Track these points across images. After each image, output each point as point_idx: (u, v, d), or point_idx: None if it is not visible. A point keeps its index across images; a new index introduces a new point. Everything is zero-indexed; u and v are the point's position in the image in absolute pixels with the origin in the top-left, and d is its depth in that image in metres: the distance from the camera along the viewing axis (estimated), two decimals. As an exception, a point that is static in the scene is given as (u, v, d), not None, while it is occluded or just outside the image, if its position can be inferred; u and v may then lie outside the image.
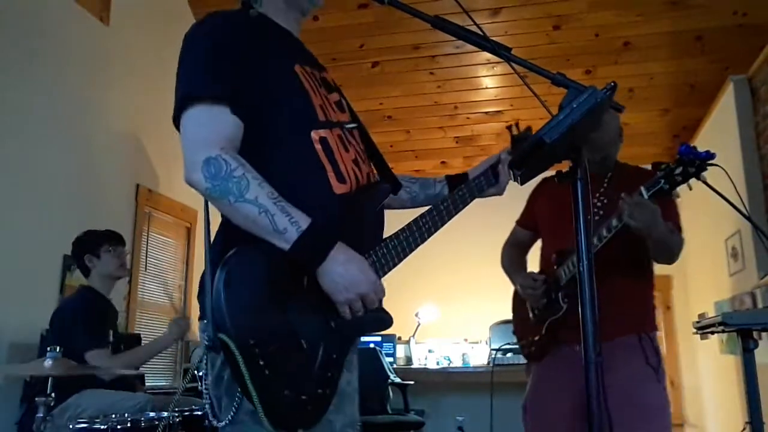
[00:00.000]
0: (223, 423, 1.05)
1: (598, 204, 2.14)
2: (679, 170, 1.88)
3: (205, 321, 1.08)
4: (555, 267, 2.09)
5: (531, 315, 2.18)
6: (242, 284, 0.99)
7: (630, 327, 2.03)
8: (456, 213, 1.42)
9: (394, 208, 1.48)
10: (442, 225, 1.37)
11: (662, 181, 1.88)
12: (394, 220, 1.35)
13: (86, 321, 2.57)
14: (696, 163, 1.87)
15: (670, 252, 2.06)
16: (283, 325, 1.03)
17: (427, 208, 1.37)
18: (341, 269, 1.06)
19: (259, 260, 1.04)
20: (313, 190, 1.14)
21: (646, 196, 1.89)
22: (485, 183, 1.53)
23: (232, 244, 1.05)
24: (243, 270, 1.00)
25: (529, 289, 2.11)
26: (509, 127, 1.64)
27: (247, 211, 1.03)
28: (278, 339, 1.01)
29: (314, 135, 1.19)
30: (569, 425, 1.99)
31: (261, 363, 0.97)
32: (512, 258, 2.39)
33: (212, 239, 1.14)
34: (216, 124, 1.09)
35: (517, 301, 2.31)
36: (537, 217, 2.34)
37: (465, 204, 1.45)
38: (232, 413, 1.04)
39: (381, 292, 1.12)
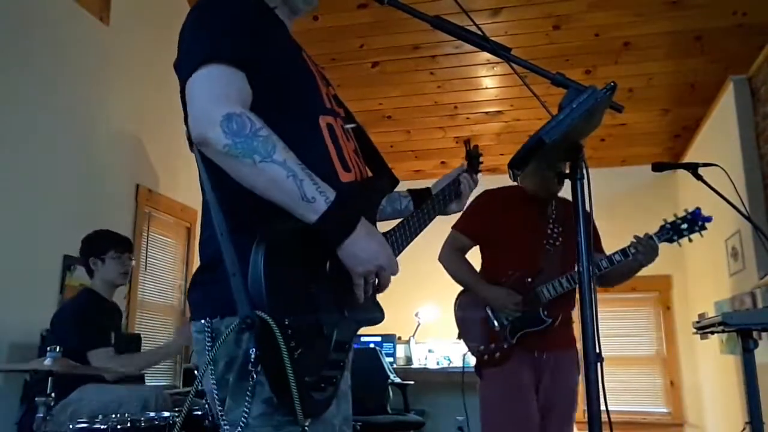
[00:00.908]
0: (238, 429, 1.00)
1: (555, 231, 2.48)
2: (685, 225, 2.36)
3: (202, 321, 1.07)
4: (532, 286, 2.39)
5: (496, 324, 2.42)
6: (277, 263, 0.96)
7: (573, 342, 2.50)
8: (422, 228, 1.44)
9: None
10: (413, 239, 1.39)
11: (671, 232, 2.37)
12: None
13: (86, 321, 2.57)
14: (699, 224, 2.37)
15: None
16: (310, 309, 1.01)
17: (397, 222, 1.39)
18: (364, 243, 1.05)
19: (289, 242, 1.01)
20: (321, 176, 1.10)
21: (658, 243, 2.34)
22: (448, 199, 1.59)
23: (240, 222, 1.02)
24: (277, 249, 0.97)
25: (512, 305, 2.37)
26: (465, 143, 1.80)
27: (275, 173, 0.98)
28: (307, 322, 1.00)
29: (322, 121, 1.18)
30: (538, 421, 2.36)
31: (293, 344, 0.94)
32: (468, 267, 2.57)
33: (208, 232, 1.10)
34: (236, 85, 1.04)
35: (471, 308, 2.51)
36: (488, 229, 2.52)
37: (430, 220, 1.49)
38: (244, 417, 0.99)
39: (395, 268, 1.12)
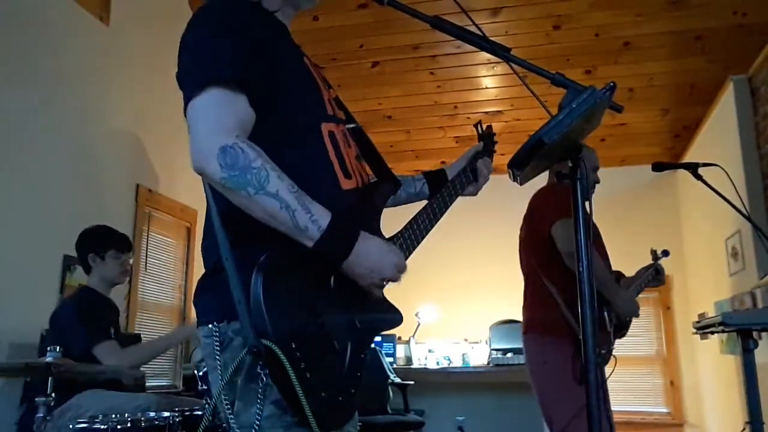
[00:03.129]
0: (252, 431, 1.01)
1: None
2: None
3: (210, 326, 1.07)
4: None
5: (609, 325, 2.44)
6: (278, 288, 0.97)
7: None
8: (443, 213, 1.45)
9: None
10: (433, 225, 1.40)
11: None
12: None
13: (86, 319, 2.55)
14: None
15: None
16: (318, 328, 1.02)
17: (419, 209, 1.39)
18: (364, 260, 1.06)
19: (290, 263, 1.02)
20: (322, 184, 1.11)
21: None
22: (465, 181, 1.58)
23: (244, 242, 1.03)
24: (277, 274, 0.98)
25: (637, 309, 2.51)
26: (476, 126, 1.75)
27: (268, 205, 0.99)
28: (316, 341, 1.01)
29: (324, 128, 1.18)
30: None
31: (302, 366, 0.96)
32: (602, 261, 2.50)
33: (212, 239, 1.10)
34: (231, 110, 1.04)
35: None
36: None
37: (449, 205, 1.49)
38: (257, 420, 1.00)
39: (403, 269, 1.13)
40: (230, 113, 1.03)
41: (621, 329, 2.49)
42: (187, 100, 1.05)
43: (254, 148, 1.01)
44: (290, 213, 1.00)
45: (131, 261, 2.85)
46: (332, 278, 1.07)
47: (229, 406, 1.06)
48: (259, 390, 1.00)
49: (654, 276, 2.70)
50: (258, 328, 0.94)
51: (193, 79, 1.06)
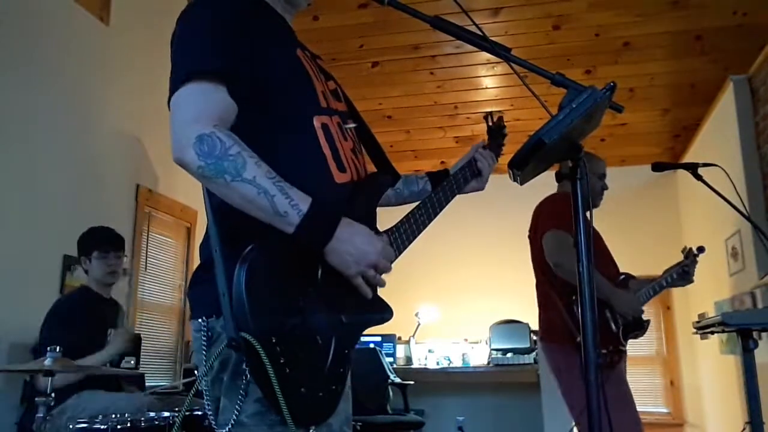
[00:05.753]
0: (227, 428, 1.01)
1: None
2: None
3: (199, 321, 1.07)
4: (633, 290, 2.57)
5: (614, 326, 2.46)
6: (262, 282, 0.96)
7: None
8: (442, 208, 1.43)
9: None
10: (431, 220, 1.38)
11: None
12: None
13: (56, 320, 2.55)
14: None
15: None
16: (300, 322, 1.01)
17: (416, 204, 1.38)
18: (347, 246, 1.04)
19: (276, 256, 1.01)
20: (315, 178, 1.11)
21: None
22: (468, 176, 1.56)
23: (234, 236, 1.02)
24: (262, 267, 0.97)
25: (641, 309, 2.51)
26: (485, 117, 1.72)
27: (245, 191, 0.99)
28: (297, 336, 1.00)
29: (316, 121, 1.16)
30: None
31: (282, 361, 0.95)
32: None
33: (208, 234, 1.10)
34: (209, 100, 1.04)
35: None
36: None
37: (449, 200, 1.47)
38: (235, 416, 1.00)
39: (391, 256, 1.12)
40: (208, 103, 1.04)
41: (632, 329, 2.49)
42: (169, 96, 1.06)
43: (231, 136, 1.01)
44: (269, 198, 0.99)
45: (124, 259, 2.86)
46: (320, 272, 1.06)
47: (213, 403, 1.06)
48: (242, 386, 1.00)
49: (680, 275, 2.71)
50: (239, 321, 0.94)
51: (174, 76, 1.06)
